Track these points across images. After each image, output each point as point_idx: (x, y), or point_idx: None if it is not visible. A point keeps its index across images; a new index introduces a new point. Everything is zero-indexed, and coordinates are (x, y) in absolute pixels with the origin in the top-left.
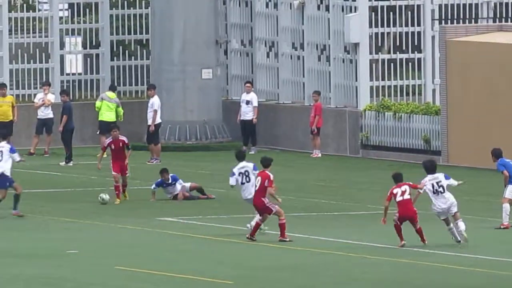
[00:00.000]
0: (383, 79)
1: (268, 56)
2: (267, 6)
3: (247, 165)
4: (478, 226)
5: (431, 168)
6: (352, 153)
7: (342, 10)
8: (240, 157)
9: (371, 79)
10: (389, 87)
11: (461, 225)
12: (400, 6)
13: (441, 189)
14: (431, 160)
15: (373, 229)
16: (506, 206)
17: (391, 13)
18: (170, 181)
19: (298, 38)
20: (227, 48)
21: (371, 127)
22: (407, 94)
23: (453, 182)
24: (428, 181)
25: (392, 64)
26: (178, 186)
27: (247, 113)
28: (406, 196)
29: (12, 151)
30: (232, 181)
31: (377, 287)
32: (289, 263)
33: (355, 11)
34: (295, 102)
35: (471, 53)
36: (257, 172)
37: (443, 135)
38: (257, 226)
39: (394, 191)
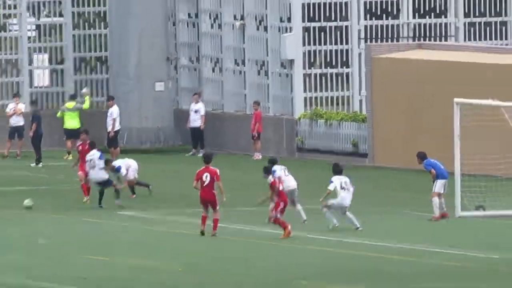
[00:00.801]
0: (315, 91)
1: (213, 71)
2: (212, 27)
3: None
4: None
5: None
6: (289, 155)
7: (279, 30)
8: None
9: (304, 91)
10: (321, 98)
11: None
12: (330, 27)
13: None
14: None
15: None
16: (436, 200)
17: (322, 33)
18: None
19: (240, 55)
20: (177, 64)
21: (305, 133)
22: (337, 104)
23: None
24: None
25: (323, 78)
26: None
27: (196, 121)
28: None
29: (101, 157)
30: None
31: (306, 272)
32: (231, 254)
33: (290, 31)
34: (238, 111)
35: (393, 68)
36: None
37: (369, 139)
38: (216, 222)
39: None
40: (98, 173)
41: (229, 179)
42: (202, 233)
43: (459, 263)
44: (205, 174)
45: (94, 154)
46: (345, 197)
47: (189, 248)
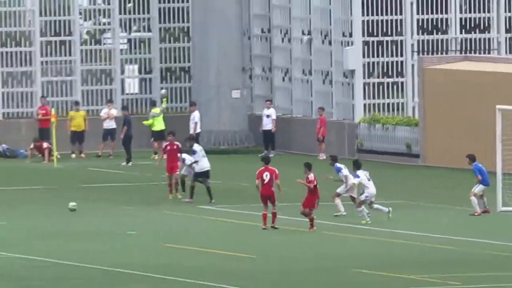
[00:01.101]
0: (373, 98)
1: (283, 80)
2: (282, 41)
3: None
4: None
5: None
6: (350, 156)
7: (341, 44)
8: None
9: (364, 98)
10: (379, 104)
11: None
12: (387, 41)
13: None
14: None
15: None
16: (473, 198)
17: (380, 46)
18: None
19: (307, 66)
20: (251, 74)
21: (364, 136)
22: (393, 109)
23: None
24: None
25: (381, 86)
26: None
27: (267, 125)
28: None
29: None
30: None
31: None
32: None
33: (351, 45)
34: (305, 116)
35: (442, 78)
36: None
37: (421, 142)
38: (274, 215)
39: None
40: (200, 165)
41: (295, 177)
42: (264, 229)
43: (505, 253)
44: (265, 173)
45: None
46: (373, 186)
47: (260, 238)
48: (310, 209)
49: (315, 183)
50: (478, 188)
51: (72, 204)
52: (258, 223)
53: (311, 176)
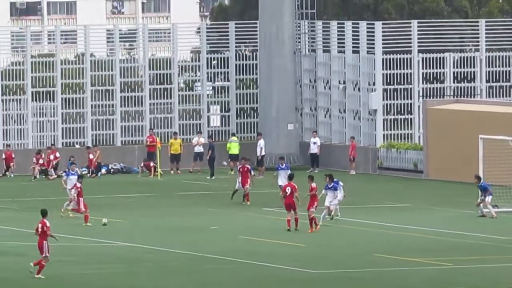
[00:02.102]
0: (390, 130)
1: (325, 116)
2: (324, 88)
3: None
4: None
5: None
6: (373, 172)
7: (367, 90)
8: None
9: (383, 130)
10: (395, 134)
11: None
12: (401, 88)
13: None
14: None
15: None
16: (490, 207)
17: (395, 92)
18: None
19: (342, 106)
20: (302, 112)
21: (383, 157)
22: (405, 138)
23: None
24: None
25: (395, 121)
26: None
27: (314, 149)
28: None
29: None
30: None
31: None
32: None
33: (374, 91)
34: (340, 143)
35: (440, 115)
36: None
37: (425, 161)
38: (297, 220)
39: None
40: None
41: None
42: (289, 230)
43: (484, 242)
44: (287, 188)
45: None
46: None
47: (305, 233)
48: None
49: (316, 190)
50: (489, 198)
51: (104, 220)
52: (303, 220)
53: (314, 184)
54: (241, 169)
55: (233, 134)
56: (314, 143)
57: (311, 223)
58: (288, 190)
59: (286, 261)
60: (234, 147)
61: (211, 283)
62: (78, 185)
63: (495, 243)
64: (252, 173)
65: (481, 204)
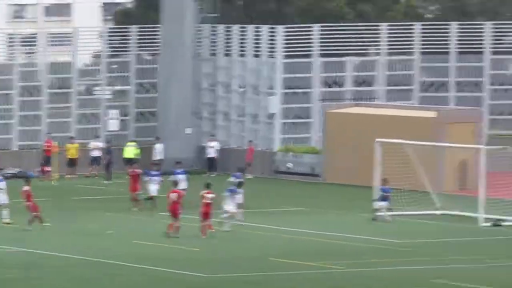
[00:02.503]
0: (288, 134)
1: (224, 121)
2: (224, 92)
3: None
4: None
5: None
6: (269, 176)
7: (266, 94)
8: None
9: (281, 134)
10: (292, 138)
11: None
12: (300, 92)
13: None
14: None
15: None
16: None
17: (294, 95)
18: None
19: (242, 110)
20: (201, 116)
21: (280, 161)
22: (302, 142)
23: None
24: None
25: (294, 125)
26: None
27: (211, 153)
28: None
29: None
30: None
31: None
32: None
33: (273, 95)
34: (239, 146)
35: (339, 118)
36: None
37: (322, 165)
38: (177, 227)
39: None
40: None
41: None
42: (168, 236)
43: (377, 245)
44: (173, 194)
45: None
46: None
47: (199, 239)
48: (205, 218)
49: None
50: (384, 203)
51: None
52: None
53: (207, 194)
54: (130, 174)
55: (133, 141)
56: (212, 147)
57: (204, 229)
58: (174, 196)
59: (180, 266)
60: (128, 152)
61: None
62: None
63: (388, 246)
64: (145, 178)
65: (379, 208)
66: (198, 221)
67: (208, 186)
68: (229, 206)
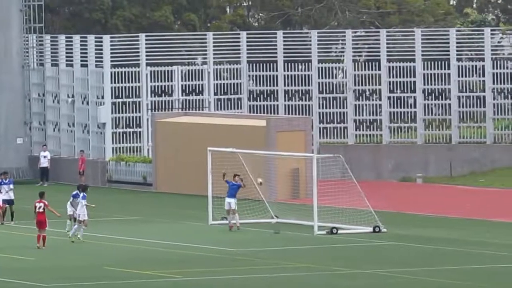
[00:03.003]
0: (119, 143)
1: (54, 130)
2: (53, 102)
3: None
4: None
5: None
6: (102, 185)
7: (96, 104)
8: (41, 195)
9: (112, 143)
10: (124, 147)
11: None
12: (129, 102)
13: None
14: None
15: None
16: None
17: (124, 105)
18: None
19: (71, 120)
20: (31, 126)
21: (113, 170)
22: (133, 151)
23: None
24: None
25: (124, 135)
26: None
27: (44, 163)
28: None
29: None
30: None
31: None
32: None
33: (103, 104)
34: (70, 156)
35: (169, 127)
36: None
37: (154, 174)
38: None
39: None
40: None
41: (64, 200)
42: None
43: (216, 254)
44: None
45: None
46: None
47: (34, 249)
48: (40, 228)
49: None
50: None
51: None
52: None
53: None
54: None
55: None
56: (44, 156)
57: (39, 238)
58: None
59: (14, 275)
60: None
61: None
62: None
63: (225, 255)
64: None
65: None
66: (33, 230)
67: (41, 195)
68: (82, 214)
